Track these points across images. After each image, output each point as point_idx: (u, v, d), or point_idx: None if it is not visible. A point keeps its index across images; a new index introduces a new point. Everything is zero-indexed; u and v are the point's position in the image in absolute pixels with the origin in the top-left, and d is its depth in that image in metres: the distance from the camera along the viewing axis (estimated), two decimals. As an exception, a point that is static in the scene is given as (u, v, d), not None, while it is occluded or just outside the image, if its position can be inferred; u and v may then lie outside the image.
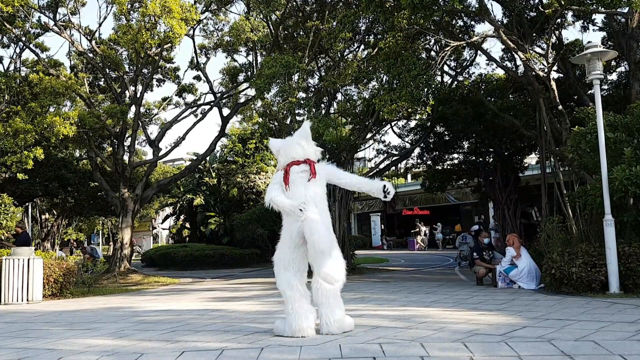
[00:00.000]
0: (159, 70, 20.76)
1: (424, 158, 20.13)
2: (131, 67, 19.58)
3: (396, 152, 19.72)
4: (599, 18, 14.91)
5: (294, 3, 16.73)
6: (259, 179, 27.43)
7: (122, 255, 17.36)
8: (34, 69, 18.81)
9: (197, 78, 22.55)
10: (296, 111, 15.78)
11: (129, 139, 19.54)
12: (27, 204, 24.28)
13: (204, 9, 18.83)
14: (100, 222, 37.52)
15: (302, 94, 16.67)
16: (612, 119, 9.35)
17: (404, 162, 20.62)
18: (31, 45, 18.55)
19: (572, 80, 14.08)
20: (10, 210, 13.52)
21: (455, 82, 18.15)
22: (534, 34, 13.81)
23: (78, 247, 32.06)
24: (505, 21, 14.84)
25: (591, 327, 5.42)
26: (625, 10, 11.30)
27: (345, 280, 5.36)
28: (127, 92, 19.61)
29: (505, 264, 10.41)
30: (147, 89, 19.81)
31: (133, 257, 21.36)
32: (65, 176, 20.57)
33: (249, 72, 20.27)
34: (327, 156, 15.76)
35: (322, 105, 17.50)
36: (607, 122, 9.25)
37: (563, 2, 10.66)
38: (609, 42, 14.97)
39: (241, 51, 21.04)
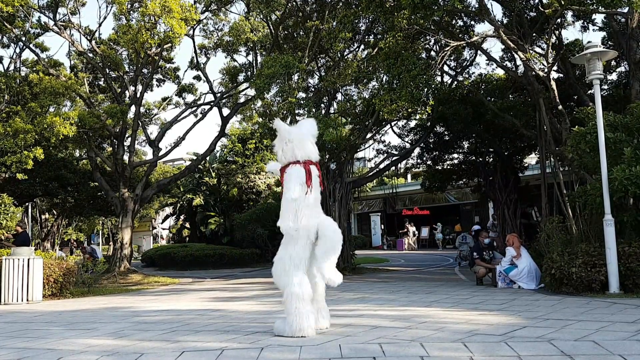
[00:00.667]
0: (159, 70, 20.76)
1: (424, 158, 20.14)
2: (131, 67, 19.59)
3: (396, 152, 19.73)
4: (599, 18, 14.93)
5: (294, 3, 16.73)
6: (259, 179, 27.45)
7: (122, 255, 17.36)
8: (34, 69, 18.83)
9: (197, 78, 22.56)
10: (296, 111, 15.77)
11: (129, 139, 19.54)
12: (27, 203, 24.28)
13: (204, 9, 18.83)
14: (100, 222, 37.54)
15: (302, 94, 16.68)
16: (612, 119, 9.35)
17: (404, 162, 20.63)
18: (31, 45, 18.56)
19: (572, 80, 14.09)
20: (10, 210, 13.52)
21: (455, 82, 18.16)
22: (534, 34, 13.81)
23: (78, 247, 32.06)
24: (505, 21, 14.85)
25: (591, 327, 5.42)
26: (625, 10, 11.30)
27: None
28: (127, 92, 19.62)
29: (505, 264, 10.41)
30: (147, 89, 19.82)
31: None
32: (65, 176, 20.57)
33: (249, 72, 20.27)
34: (327, 156, 15.79)
35: (322, 105, 17.50)
36: (607, 122, 9.25)
37: (563, 2, 10.66)
38: (609, 42, 14.97)
39: (241, 51, 21.05)
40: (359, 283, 12.79)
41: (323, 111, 16.92)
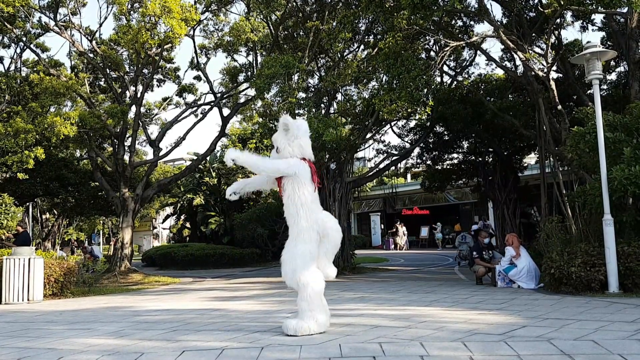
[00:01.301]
0: (159, 71, 20.78)
1: (424, 158, 20.16)
2: (131, 67, 19.61)
3: (396, 152, 19.75)
4: (598, 18, 14.94)
5: (294, 3, 16.75)
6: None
7: (122, 254, 17.38)
8: (35, 69, 18.84)
9: (198, 78, 22.58)
10: (296, 111, 15.79)
11: (130, 139, 19.55)
12: (27, 203, 24.29)
13: (204, 9, 18.85)
14: (101, 221, 37.56)
15: (302, 94, 16.69)
16: (611, 119, 9.37)
17: (404, 162, 20.66)
18: (32, 46, 18.58)
19: (572, 80, 14.10)
20: (11, 210, 13.54)
21: (455, 82, 18.17)
22: (534, 34, 13.83)
23: (79, 247, 32.10)
24: (504, 21, 14.86)
25: (590, 326, 5.44)
26: (625, 10, 11.32)
27: None
28: (127, 92, 19.63)
29: (505, 263, 10.43)
30: (148, 89, 19.83)
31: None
32: (65, 176, 20.59)
33: (249, 72, 20.28)
34: (327, 156, 15.81)
35: (322, 105, 17.51)
36: (606, 122, 9.26)
37: (562, 2, 10.67)
38: (608, 42, 14.99)
39: (241, 51, 21.06)
40: (359, 283, 12.81)
41: (323, 111, 16.93)
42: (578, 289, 8.53)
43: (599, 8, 10.56)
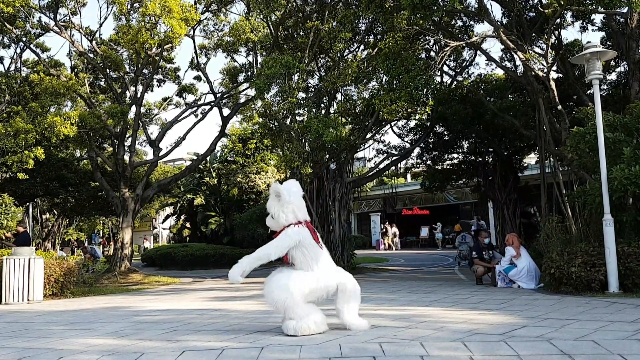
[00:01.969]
0: (159, 71, 20.78)
1: (424, 158, 20.15)
2: (131, 67, 19.61)
3: (396, 152, 19.75)
4: (598, 18, 14.94)
5: (294, 3, 16.75)
6: (259, 178, 27.45)
7: (122, 254, 17.38)
8: (35, 69, 18.84)
9: (198, 78, 22.58)
10: (296, 111, 15.81)
11: (130, 139, 19.56)
12: (27, 203, 24.28)
13: (204, 9, 18.85)
14: (101, 222, 37.55)
15: (302, 94, 16.71)
16: (611, 119, 9.37)
17: (404, 162, 20.66)
18: (32, 46, 18.58)
19: (572, 80, 14.10)
20: (11, 210, 13.54)
21: (455, 82, 18.17)
22: (533, 34, 13.83)
23: (79, 247, 32.09)
24: (504, 21, 14.86)
25: (590, 326, 5.44)
26: (625, 10, 11.32)
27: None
28: (127, 92, 19.63)
29: (505, 263, 10.43)
30: (148, 89, 19.83)
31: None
32: (65, 176, 20.59)
33: (249, 72, 20.28)
34: (327, 156, 15.82)
35: (322, 105, 17.52)
36: (607, 122, 9.26)
37: (562, 2, 10.67)
38: (608, 42, 14.98)
39: (241, 51, 21.06)
40: (359, 282, 12.80)
41: (323, 111, 16.94)
42: (578, 289, 8.53)
43: (599, 8, 10.56)
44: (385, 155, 19.70)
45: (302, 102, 15.89)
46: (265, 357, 4.46)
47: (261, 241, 23.96)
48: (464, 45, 14.32)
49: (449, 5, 11.20)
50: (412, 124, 19.50)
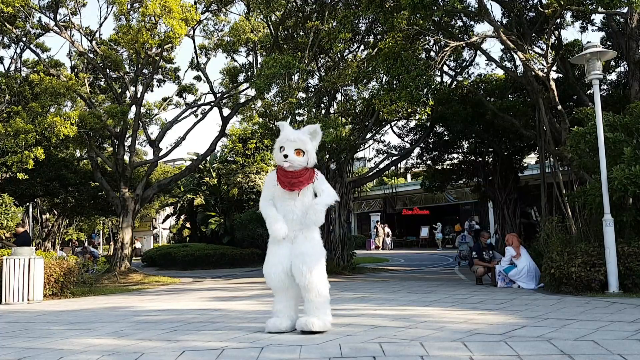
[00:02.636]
0: (159, 71, 20.77)
1: (424, 158, 20.15)
2: (131, 67, 19.60)
3: (396, 152, 19.75)
4: (598, 18, 14.95)
5: (294, 3, 16.75)
6: (259, 178, 27.44)
7: (122, 254, 17.37)
8: (35, 69, 18.84)
9: (198, 78, 22.57)
10: (296, 111, 15.79)
11: (130, 139, 19.55)
12: (27, 203, 24.26)
13: (204, 9, 18.85)
14: (101, 222, 37.53)
15: (302, 94, 16.69)
16: (611, 119, 9.37)
17: (404, 162, 20.65)
18: (32, 46, 18.58)
19: (572, 80, 14.10)
20: (11, 210, 13.54)
21: (455, 82, 18.16)
22: (533, 34, 13.83)
23: (79, 247, 32.03)
24: (504, 21, 14.87)
25: (590, 326, 5.44)
26: (625, 10, 11.32)
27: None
28: (127, 92, 19.63)
29: (505, 263, 10.43)
30: (148, 89, 19.83)
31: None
32: (65, 176, 20.57)
33: (249, 72, 20.28)
34: (327, 156, 15.81)
35: (322, 105, 17.51)
36: (607, 122, 9.27)
37: (562, 2, 10.68)
38: (608, 42, 14.99)
39: (241, 51, 21.06)
40: (359, 283, 12.81)
41: (323, 111, 16.94)
42: (578, 289, 8.53)
43: (599, 8, 10.57)
44: (385, 155, 19.71)
45: (302, 102, 15.87)
46: (265, 357, 4.46)
47: (261, 241, 24.00)
48: (464, 45, 14.32)
49: (449, 5, 11.20)
50: (412, 124, 19.50)
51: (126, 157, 18.98)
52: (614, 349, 4.40)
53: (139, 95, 18.50)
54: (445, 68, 17.55)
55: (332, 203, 5.58)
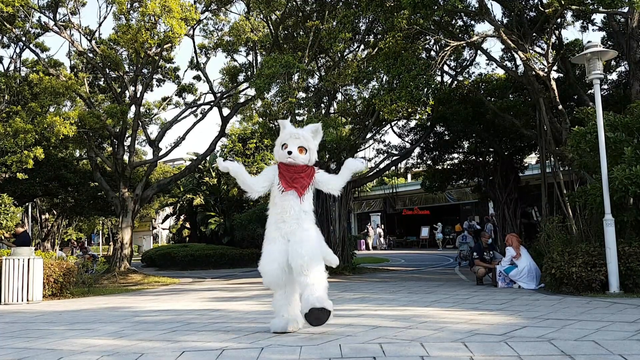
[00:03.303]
0: (159, 70, 20.76)
1: (424, 158, 20.13)
2: (131, 67, 19.58)
3: (396, 152, 19.72)
4: (598, 18, 14.93)
5: (294, 3, 16.73)
6: (259, 178, 27.40)
7: (122, 255, 17.36)
8: (34, 69, 18.83)
9: (197, 78, 22.55)
10: (296, 111, 15.77)
11: (129, 139, 19.54)
12: (27, 203, 24.26)
13: (204, 8, 18.83)
14: (101, 222, 37.52)
15: (302, 94, 16.67)
16: (612, 118, 9.36)
17: (404, 162, 20.62)
18: (31, 45, 18.55)
19: (572, 80, 14.09)
20: (10, 210, 13.52)
21: (455, 82, 18.15)
22: (534, 34, 13.81)
23: (83, 249, 32.04)
24: (505, 21, 14.85)
25: (591, 326, 5.42)
26: (625, 10, 11.31)
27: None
28: (127, 92, 19.62)
29: (506, 263, 10.41)
30: (147, 89, 19.81)
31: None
32: (65, 176, 20.57)
33: (249, 72, 20.26)
34: (327, 156, 15.79)
35: (322, 105, 17.49)
36: (607, 121, 9.25)
37: (563, 2, 10.66)
38: (608, 42, 14.98)
39: (241, 51, 21.04)
40: (359, 283, 12.79)
41: (323, 111, 16.92)
42: (579, 289, 8.52)
43: (600, 8, 10.56)
44: (385, 155, 19.68)
45: (302, 102, 15.86)
46: (265, 358, 4.45)
47: (261, 241, 23.96)
48: (464, 44, 14.32)
49: (450, 5, 11.19)
50: (413, 123, 19.48)
51: (126, 157, 18.96)
52: (614, 349, 4.38)
53: (138, 95, 18.49)
54: (446, 68, 17.55)
55: (343, 182, 5.72)
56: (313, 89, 18.13)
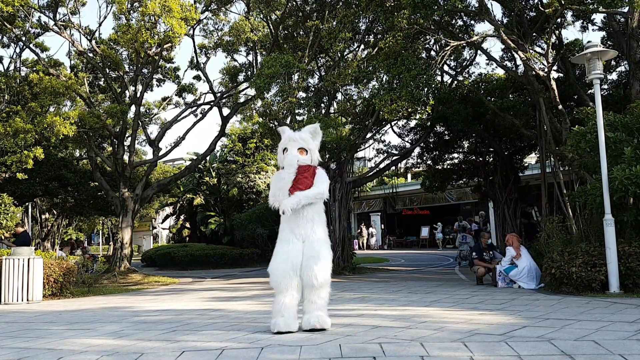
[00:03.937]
0: (158, 70, 20.76)
1: (424, 158, 20.12)
2: (131, 66, 19.59)
3: (396, 152, 19.71)
4: (598, 18, 14.94)
5: (294, 3, 16.73)
6: (259, 178, 27.43)
7: (122, 255, 17.35)
8: (34, 68, 18.83)
9: (197, 78, 22.56)
10: (296, 111, 15.77)
11: (129, 138, 19.53)
12: (27, 203, 24.26)
13: (204, 8, 18.83)
14: (101, 222, 37.52)
15: (302, 94, 16.66)
16: (612, 118, 9.36)
17: (404, 161, 20.62)
18: (31, 45, 18.56)
19: (572, 79, 14.09)
20: (10, 210, 13.52)
21: (455, 82, 18.15)
22: (534, 34, 13.82)
23: (78, 247, 32.07)
24: (505, 21, 14.85)
25: (591, 326, 5.43)
26: (625, 10, 11.30)
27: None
28: (127, 91, 19.62)
29: (506, 263, 10.41)
30: (147, 89, 19.81)
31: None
32: (65, 176, 20.56)
33: (249, 72, 20.26)
34: (327, 156, 15.78)
35: (322, 105, 17.48)
36: (607, 121, 9.25)
37: (563, 2, 10.66)
38: (608, 42, 14.98)
39: (241, 51, 21.05)
40: (359, 283, 12.79)
41: (323, 111, 16.91)
42: (579, 289, 8.51)
43: (600, 7, 10.55)
44: (385, 155, 19.67)
45: (302, 101, 15.85)
46: (265, 357, 4.45)
47: (261, 241, 24.04)
48: (464, 44, 14.31)
49: (450, 5, 11.19)
50: (413, 123, 19.48)
51: (126, 157, 18.95)
52: (614, 349, 4.38)
53: (138, 95, 18.49)
54: (446, 67, 17.55)
55: (313, 198, 5.54)
56: (313, 89, 18.13)
